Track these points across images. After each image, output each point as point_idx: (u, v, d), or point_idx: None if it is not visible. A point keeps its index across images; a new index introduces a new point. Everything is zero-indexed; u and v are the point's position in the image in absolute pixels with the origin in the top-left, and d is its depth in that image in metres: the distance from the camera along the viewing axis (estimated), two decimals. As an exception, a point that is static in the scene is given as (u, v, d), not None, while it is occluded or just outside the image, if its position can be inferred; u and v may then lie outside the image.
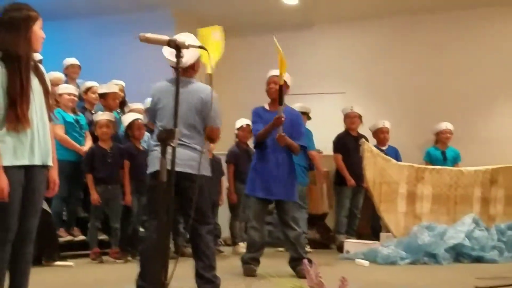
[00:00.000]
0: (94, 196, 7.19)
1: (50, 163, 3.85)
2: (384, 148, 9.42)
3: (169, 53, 4.63)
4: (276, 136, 6.08)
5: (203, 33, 5.74)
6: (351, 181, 8.87)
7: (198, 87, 4.79)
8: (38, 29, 3.73)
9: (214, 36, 5.70)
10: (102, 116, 7.43)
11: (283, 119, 6.02)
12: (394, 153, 9.33)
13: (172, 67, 4.71)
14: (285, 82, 6.31)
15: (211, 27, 5.69)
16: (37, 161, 3.74)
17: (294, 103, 7.96)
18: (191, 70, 4.85)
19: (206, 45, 5.33)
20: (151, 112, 4.98)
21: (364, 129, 9.42)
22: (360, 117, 9.25)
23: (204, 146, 4.77)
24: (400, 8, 10.68)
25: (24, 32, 3.68)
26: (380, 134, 9.56)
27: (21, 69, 3.64)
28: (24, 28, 3.68)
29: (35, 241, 3.87)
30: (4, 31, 3.69)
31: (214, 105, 4.73)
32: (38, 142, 3.75)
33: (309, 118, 9.23)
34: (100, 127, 7.35)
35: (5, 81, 3.60)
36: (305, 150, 6.63)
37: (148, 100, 6.38)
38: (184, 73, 4.70)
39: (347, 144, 9.03)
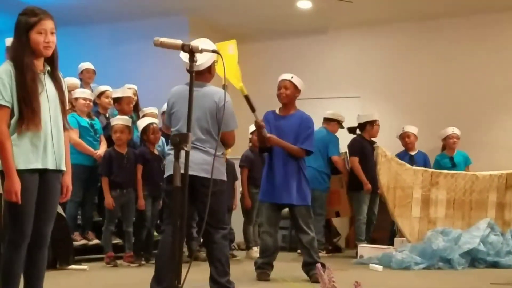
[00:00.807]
0: (109, 200, 7.21)
1: (63, 167, 3.87)
2: (412, 153, 9.40)
3: (186, 57, 4.66)
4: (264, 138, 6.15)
5: (219, 47, 5.77)
6: (368, 185, 8.73)
7: (211, 90, 4.81)
8: (35, 35, 3.73)
9: (229, 50, 5.73)
10: (118, 121, 7.46)
11: (261, 123, 6.10)
12: (423, 159, 9.30)
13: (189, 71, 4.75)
14: (295, 85, 6.33)
15: (227, 41, 5.72)
16: (50, 165, 3.77)
17: (308, 107, 7.94)
18: (207, 73, 4.87)
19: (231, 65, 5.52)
20: (167, 116, 5.03)
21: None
22: None
23: (220, 150, 4.78)
24: (414, 14, 10.67)
25: (24, 39, 3.73)
26: (402, 140, 9.54)
27: (26, 76, 3.67)
28: (23, 35, 3.73)
29: (50, 245, 3.90)
30: (14, 38, 3.79)
31: (228, 108, 4.74)
32: (52, 147, 3.78)
33: (341, 126, 9.22)
34: (115, 132, 7.38)
35: (13, 87, 3.65)
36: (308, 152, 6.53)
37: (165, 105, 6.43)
38: (199, 77, 4.73)
39: (364, 148, 8.89)
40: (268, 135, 6.16)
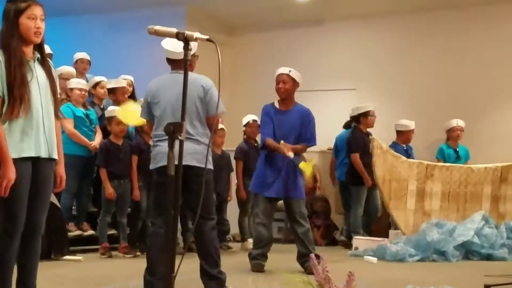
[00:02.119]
0: (110, 191, 7.18)
1: (55, 156, 3.86)
2: (404, 145, 9.38)
3: (170, 45, 4.65)
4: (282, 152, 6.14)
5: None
6: (369, 181, 8.61)
7: (195, 76, 4.76)
8: (26, 20, 3.71)
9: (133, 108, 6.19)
10: (108, 112, 7.42)
11: (285, 152, 6.07)
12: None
13: (169, 59, 4.75)
14: (293, 79, 6.32)
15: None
16: (43, 153, 3.75)
17: (304, 99, 7.92)
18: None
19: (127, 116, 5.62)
20: (148, 108, 4.84)
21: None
22: None
23: (209, 137, 4.74)
24: (412, 6, 10.65)
25: (12, 24, 3.70)
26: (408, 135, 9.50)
27: (14, 61, 3.65)
28: (12, 20, 3.70)
29: (44, 235, 3.89)
30: (2, 23, 3.76)
31: (214, 92, 4.73)
32: (44, 135, 3.76)
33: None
34: (118, 124, 7.32)
35: (3, 74, 3.63)
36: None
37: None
38: (179, 66, 4.69)
39: (366, 143, 8.64)
40: (288, 155, 6.10)
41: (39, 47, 3.84)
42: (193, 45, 4.59)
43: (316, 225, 9.40)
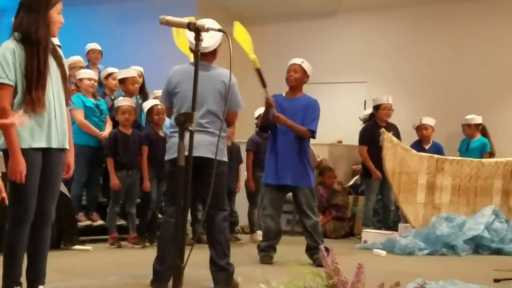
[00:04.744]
0: (115, 181, 7.20)
1: (67, 146, 3.87)
2: (426, 146, 9.21)
3: (192, 36, 4.64)
4: (272, 117, 6.19)
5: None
6: (376, 174, 8.59)
7: (219, 71, 4.78)
8: (55, 14, 3.74)
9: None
10: (123, 102, 7.43)
11: (271, 101, 6.17)
12: (436, 151, 9.01)
13: (194, 50, 4.73)
14: (304, 70, 6.36)
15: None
16: (54, 144, 3.77)
17: (314, 91, 7.88)
18: (211, 55, 4.82)
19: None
20: (168, 96, 4.88)
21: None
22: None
23: (224, 131, 4.78)
24: (424, -1, 10.60)
25: (42, 15, 3.69)
26: (418, 131, 9.36)
27: (39, 53, 3.66)
28: (42, 12, 3.70)
29: (54, 225, 3.91)
30: (24, 14, 3.72)
31: (236, 89, 4.77)
32: (56, 125, 3.77)
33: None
34: (123, 113, 7.33)
35: (23, 64, 3.63)
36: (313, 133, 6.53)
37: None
38: (204, 58, 4.69)
39: (376, 136, 8.42)
40: (276, 114, 6.17)
41: None
42: (218, 37, 4.62)
43: (335, 217, 9.32)
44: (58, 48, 3.94)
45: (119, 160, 7.25)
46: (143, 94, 8.45)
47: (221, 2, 11.15)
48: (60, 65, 3.85)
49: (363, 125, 9.26)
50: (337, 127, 9.35)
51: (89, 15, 11.37)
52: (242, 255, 6.47)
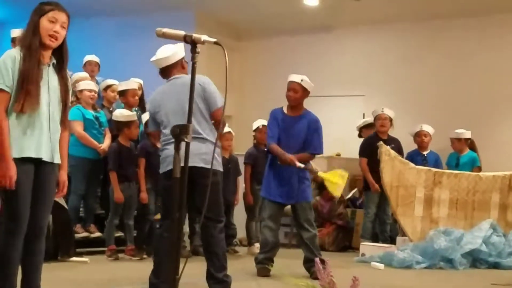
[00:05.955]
0: (119, 195, 7.18)
1: (57, 161, 3.87)
2: (425, 153, 9.17)
3: (158, 54, 4.76)
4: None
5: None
6: (375, 186, 8.59)
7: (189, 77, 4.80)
8: (46, 21, 3.76)
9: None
10: (128, 117, 7.41)
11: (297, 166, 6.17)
12: (435, 159, 9.06)
13: (161, 71, 4.97)
14: (304, 88, 6.33)
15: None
16: (44, 156, 3.76)
17: (313, 104, 7.89)
18: (181, 67, 4.90)
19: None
20: (153, 121, 4.96)
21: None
22: (390, 119, 8.91)
23: (213, 134, 4.77)
24: (421, 13, 10.66)
25: (32, 22, 3.77)
26: (417, 138, 9.29)
27: (31, 57, 3.69)
28: (34, 18, 3.78)
29: (51, 236, 3.91)
30: (26, 24, 3.81)
31: (212, 86, 4.80)
32: (48, 139, 3.78)
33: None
34: (136, 127, 7.41)
35: (16, 71, 3.66)
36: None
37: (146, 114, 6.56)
38: (171, 73, 4.85)
39: (376, 148, 8.32)
40: (290, 159, 6.15)
41: (59, 54, 3.88)
42: (181, 49, 4.68)
43: (340, 226, 9.32)
44: (66, 68, 3.96)
45: (120, 173, 7.25)
46: (142, 106, 8.46)
47: (218, 17, 11.19)
48: (63, 85, 3.87)
49: (361, 136, 9.24)
50: (335, 140, 9.33)
51: (86, 28, 11.38)
52: (240, 267, 6.46)
